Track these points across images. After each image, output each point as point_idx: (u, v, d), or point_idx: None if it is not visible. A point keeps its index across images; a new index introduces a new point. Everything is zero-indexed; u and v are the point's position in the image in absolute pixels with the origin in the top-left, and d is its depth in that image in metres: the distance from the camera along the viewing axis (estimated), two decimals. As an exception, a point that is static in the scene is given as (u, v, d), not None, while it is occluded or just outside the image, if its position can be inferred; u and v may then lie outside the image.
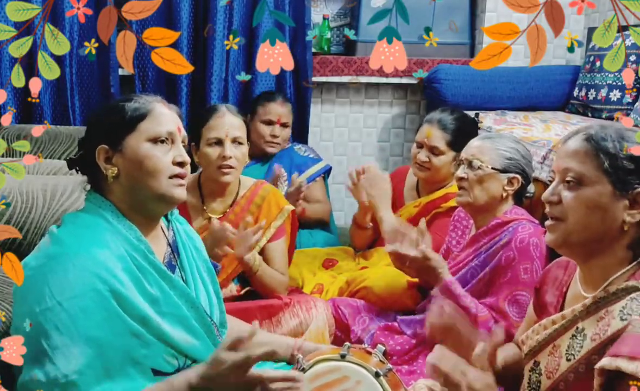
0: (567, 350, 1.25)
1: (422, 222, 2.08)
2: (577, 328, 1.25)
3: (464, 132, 2.41)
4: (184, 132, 1.41)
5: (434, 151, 2.44)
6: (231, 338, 1.21)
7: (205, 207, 2.19)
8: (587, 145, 1.23)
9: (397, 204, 2.55)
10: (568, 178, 1.25)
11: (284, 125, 3.00)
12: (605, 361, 1.07)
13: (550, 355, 1.30)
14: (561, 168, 1.27)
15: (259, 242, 2.10)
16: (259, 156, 3.03)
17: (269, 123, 2.97)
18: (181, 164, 1.36)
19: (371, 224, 2.60)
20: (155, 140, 1.34)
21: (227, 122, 2.10)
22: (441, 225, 2.38)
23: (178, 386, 1.23)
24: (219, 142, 2.10)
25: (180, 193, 1.36)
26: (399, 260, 1.97)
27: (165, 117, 1.37)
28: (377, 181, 2.39)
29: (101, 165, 1.34)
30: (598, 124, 1.29)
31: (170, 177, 1.34)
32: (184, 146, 1.41)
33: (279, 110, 2.99)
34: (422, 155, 2.45)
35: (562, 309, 1.35)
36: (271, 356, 1.22)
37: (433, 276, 1.94)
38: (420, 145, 2.48)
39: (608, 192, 1.21)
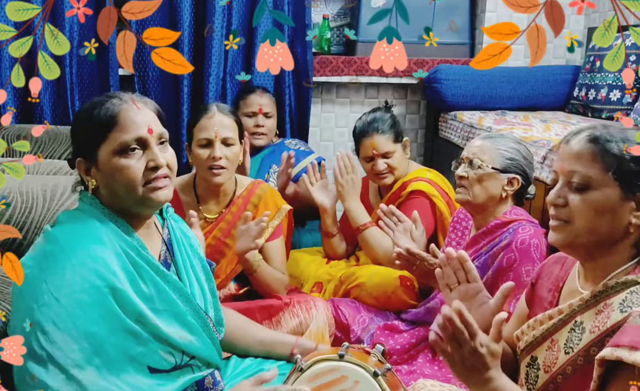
0: (565, 344, 1.25)
1: (415, 212, 2.21)
2: (576, 322, 1.25)
3: (395, 122, 2.55)
4: (158, 130, 1.35)
5: (387, 156, 2.50)
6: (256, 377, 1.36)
7: (200, 207, 2.19)
8: (593, 147, 1.21)
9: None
10: (574, 182, 1.23)
11: (266, 115, 2.99)
12: (606, 352, 1.07)
13: (549, 349, 1.30)
14: (566, 170, 1.25)
15: (263, 234, 2.08)
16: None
17: (252, 115, 2.97)
18: (155, 168, 1.32)
19: (336, 230, 2.60)
20: (124, 150, 1.31)
21: (217, 122, 2.09)
22: (405, 208, 2.39)
23: None
24: (209, 143, 2.09)
25: (162, 195, 1.33)
26: (407, 262, 1.95)
27: (132, 123, 1.31)
28: (348, 170, 2.46)
29: (83, 177, 1.35)
30: (600, 124, 1.27)
31: (146, 184, 1.32)
32: (163, 142, 1.37)
33: (259, 100, 2.98)
34: (380, 165, 2.50)
35: (557, 305, 1.35)
36: None
37: None
38: (370, 159, 2.52)
39: (616, 195, 1.19)
